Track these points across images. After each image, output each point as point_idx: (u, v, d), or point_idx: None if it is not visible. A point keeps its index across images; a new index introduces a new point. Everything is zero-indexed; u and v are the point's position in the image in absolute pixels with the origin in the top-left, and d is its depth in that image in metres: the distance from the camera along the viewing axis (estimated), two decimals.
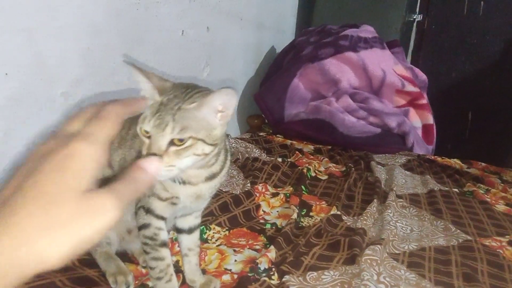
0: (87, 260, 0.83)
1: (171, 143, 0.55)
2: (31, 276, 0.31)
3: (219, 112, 0.60)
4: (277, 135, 1.99)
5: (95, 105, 0.40)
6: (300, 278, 0.86)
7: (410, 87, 2.01)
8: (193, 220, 0.82)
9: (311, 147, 1.86)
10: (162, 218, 0.73)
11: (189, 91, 0.60)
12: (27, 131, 1.03)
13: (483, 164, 1.75)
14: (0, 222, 0.30)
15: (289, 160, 1.60)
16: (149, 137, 0.56)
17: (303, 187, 1.35)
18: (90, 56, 1.16)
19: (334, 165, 1.65)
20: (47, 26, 1.02)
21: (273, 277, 0.86)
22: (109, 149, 0.37)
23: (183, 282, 0.82)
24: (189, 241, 0.82)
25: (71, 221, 0.32)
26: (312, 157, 1.71)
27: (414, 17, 2.94)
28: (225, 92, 0.57)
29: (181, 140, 0.56)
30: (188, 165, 0.58)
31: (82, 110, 0.40)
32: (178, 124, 0.56)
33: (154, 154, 0.54)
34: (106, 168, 0.80)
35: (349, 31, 2.08)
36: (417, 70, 2.19)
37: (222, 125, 0.61)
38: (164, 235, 0.73)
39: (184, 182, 0.68)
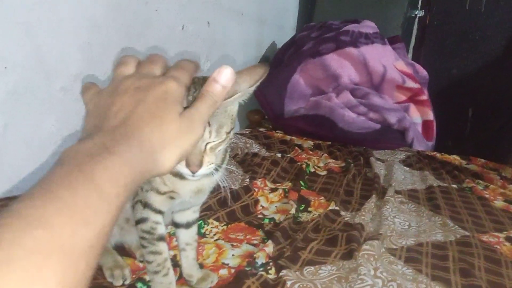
0: None
1: None
2: (150, 178, 0.44)
3: None
4: (277, 131, 1.99)
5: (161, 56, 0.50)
6: (297, 272, 0.86)
7: (410, 83, 2.01)
8: (191, 214, 0.82)
9: (311, 142, 1.86)
10: (160, 212, 0.73)
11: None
12: (26, 126, 1.03)
13: (482, 160, 1.74)
14: (129, 134, 0.39)
15: (288, 155, 1.60)
16: None
17: (302, 182, 1.35)
18: (90, 51, 1.16)
19: (334, 161, 1.65)
20: (46, 20, 1.02)
21: (270, 271, 0.86)
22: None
23: (180, 276, 0.83)
24: (187, 236, 0.82)
25: (177, 137, 0.42)
26: (311, 152, 1.71)
27: (416, 12, 2.93)
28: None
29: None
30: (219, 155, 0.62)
31: (151, 56, 0.50)
32: (214, 126, 0.56)
33: (195, 158, 0.56)
34: None
35: (350, 27, 2.08)
36: (418, 66, 2.18)
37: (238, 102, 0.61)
38: (161, 229, 0.74)
39: (183, 177, 0.68)
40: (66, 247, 0.31)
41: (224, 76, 0.47)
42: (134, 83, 0.44)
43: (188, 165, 0.56)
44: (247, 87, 0.57)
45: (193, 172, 0.57)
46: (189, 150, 0.44)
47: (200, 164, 0.56)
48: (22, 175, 1.05)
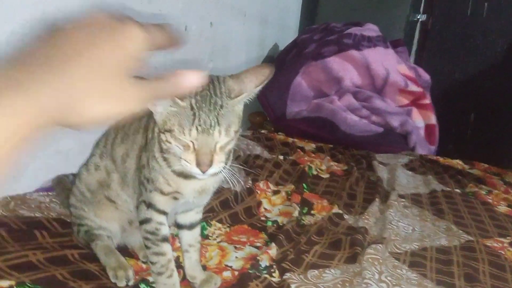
0: (87, 254, 0.82)
1: None
2: (62, 125, 0.35)
3: None
4: (279, 133, 1.98)
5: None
6: (301, 276, 0.85)
7: (413, 87, 2.00)
8: (194, 215, 0.81)
9: (313, 145, 1.85)
10: (164, 212, 0.72)
11: (211, 85, 0.58)
12: None
13: (485, 165, 1.74)
14: (51, 72, 0.33)
15: (290, 158, 1.59)
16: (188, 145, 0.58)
17: (304, 185, 1.35)
18: None
19: (336, 163, 1.64)
20: (52, 17, 1.01)
21: (274, 274, 0.85)
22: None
23: (184, 278, 0.82)
24: (190, 237, 0.81)
25: (110, 97, 0.36)
26: (313, 155, 1.70)
27: (418, 17, 2.93)
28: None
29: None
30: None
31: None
32: (223, 125, 0.57)
33: (206, 158, 0.57)
34: (109, 163, 0.80)
35: (353, 30, 2.08)
36: (420, 70, 2.18)
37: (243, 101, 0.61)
38: (165, 230, 0.73)
39: (188, 177, 0.67)
40: None
41: (190, 80, 0.41)
42: (95, 19, 0.38)
43: (198, 164, 0.56)
44: (253, 87, 0.57)
45: (204, 172, 0.56)
46: (114, 118, 0.37)
47: (211, 164, 0.57)
48: (24, 171, 1.04)
